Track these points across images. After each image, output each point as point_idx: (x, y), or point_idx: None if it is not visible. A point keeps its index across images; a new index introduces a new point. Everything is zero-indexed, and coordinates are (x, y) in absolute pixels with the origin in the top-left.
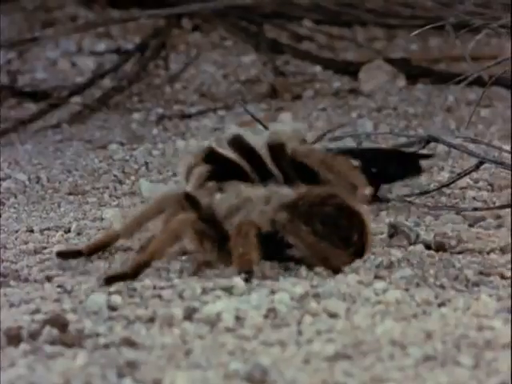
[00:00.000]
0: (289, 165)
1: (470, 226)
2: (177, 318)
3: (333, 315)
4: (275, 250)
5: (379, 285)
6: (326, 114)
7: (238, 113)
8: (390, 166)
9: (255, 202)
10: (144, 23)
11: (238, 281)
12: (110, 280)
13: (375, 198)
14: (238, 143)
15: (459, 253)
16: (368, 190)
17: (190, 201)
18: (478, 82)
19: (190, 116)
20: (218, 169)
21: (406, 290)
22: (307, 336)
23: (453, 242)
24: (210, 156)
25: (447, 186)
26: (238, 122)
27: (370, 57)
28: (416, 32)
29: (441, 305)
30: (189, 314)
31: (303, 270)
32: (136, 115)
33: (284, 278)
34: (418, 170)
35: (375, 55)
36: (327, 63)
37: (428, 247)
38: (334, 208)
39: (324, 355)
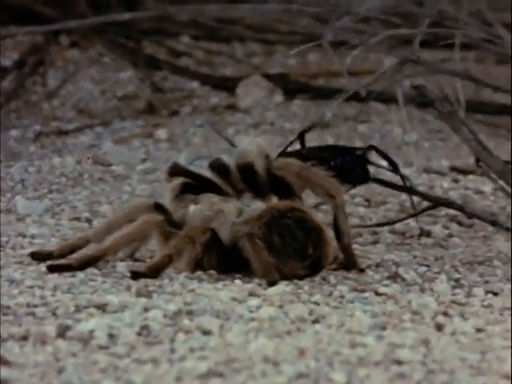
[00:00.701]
0: (260, 181)
1: None
2: (50, 335)
3: (206, 332)
4: (239, 260)
5: (253, 302)
6: (203, 131)
7: (115, 129)
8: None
9: (227, 215)
10: (22, 40)
11: (112, 298)
12: (52, 268)
13: None
14: (216, 163)
15: (334, 269)
16: (344, 198)
17: (159, 210)
18: (356, 97)
19: (67, 133)
20: (195, 183)
21: (280, 306)
22: (180, 353)
23: None
24: (175, 171)
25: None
26: (115, 138)
27: (248, 72)
28: (296, 50)
29: (315, 321)
30: (62, 332)
31: (177, 288)
32: (13, 132)
33: (157, 295)
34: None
35: (253, 71)
36: (205, 79)
37: None
38: (292, 221)
39: (196, 373)
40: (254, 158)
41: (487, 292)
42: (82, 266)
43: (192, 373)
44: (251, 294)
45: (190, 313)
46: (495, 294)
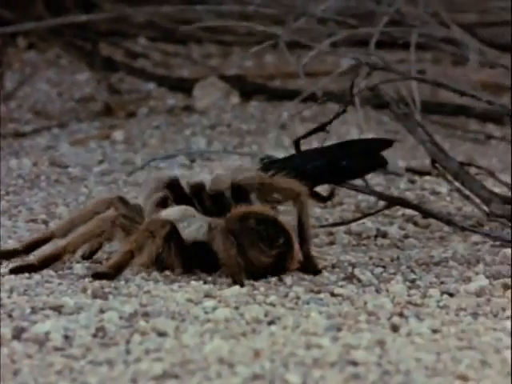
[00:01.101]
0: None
1: None
2: (5, 337)
3: (161, 334)
4: (209, 258)
5: (209, 303)
6: (159, 132)
7: (72, 131)
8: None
9: (197, 219)
10: None
11: (67, 300)
12: (15, 270)
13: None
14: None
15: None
16: (308, 196)
17: (123, 204)
18: (313, 98)
19: (24, 134)
20: (176, 198)
21: (236, 308)
22: (135, 355)
23: None
24: (172, 185)
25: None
26: (72, 140)
27: (204, 74)
28: (252, 50)
29: (270, 323)
30: (17, 334)
31: (133, 289)
32: None
33: (113, 297)
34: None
35: (210, 72)
36: (162, 80)
37: None
38: (264, 217)
39: (152, 374)
40: (225, 185)
41: (443, 293)
42: (44, 264)
43: (147, 374)
44: (207, 296)
45: (145, 314)
46: (451, 294)
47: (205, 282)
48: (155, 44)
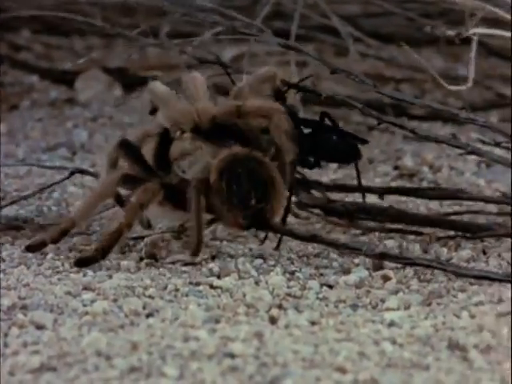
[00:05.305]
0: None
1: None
2: None
3: (40, 327)
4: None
5: (87, 295)
6: (41, 125)
7: None
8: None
9: (204, 153)
10: None
11: None
12: (30, 248)
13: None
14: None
15: (170, 263)
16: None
17: (129, 179)
18: None
19: None
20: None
21: (115, 300)
22: (13, 348)
23: (163, 253)
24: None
25: None
26: None
27: (87, 66)
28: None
29: (148, 315)
30: None
31: (12, 282)
32: None
33: None
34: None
35: (92, 64)
36: (44, 73)
37: (139, 258)
38: (244, 170)
39: (29, 367)
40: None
41: (322, 285)
42: (56, 239)
43: (24, 367)
44: (86, 288)
45: (24, 307)
46: (330, 286)
47: (84, 275)
48: (38, 36)
